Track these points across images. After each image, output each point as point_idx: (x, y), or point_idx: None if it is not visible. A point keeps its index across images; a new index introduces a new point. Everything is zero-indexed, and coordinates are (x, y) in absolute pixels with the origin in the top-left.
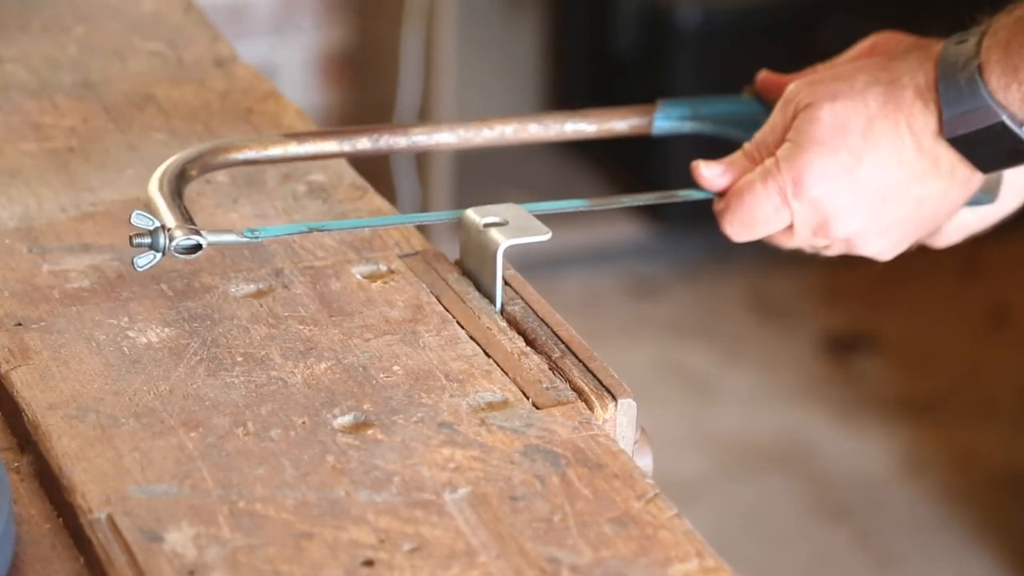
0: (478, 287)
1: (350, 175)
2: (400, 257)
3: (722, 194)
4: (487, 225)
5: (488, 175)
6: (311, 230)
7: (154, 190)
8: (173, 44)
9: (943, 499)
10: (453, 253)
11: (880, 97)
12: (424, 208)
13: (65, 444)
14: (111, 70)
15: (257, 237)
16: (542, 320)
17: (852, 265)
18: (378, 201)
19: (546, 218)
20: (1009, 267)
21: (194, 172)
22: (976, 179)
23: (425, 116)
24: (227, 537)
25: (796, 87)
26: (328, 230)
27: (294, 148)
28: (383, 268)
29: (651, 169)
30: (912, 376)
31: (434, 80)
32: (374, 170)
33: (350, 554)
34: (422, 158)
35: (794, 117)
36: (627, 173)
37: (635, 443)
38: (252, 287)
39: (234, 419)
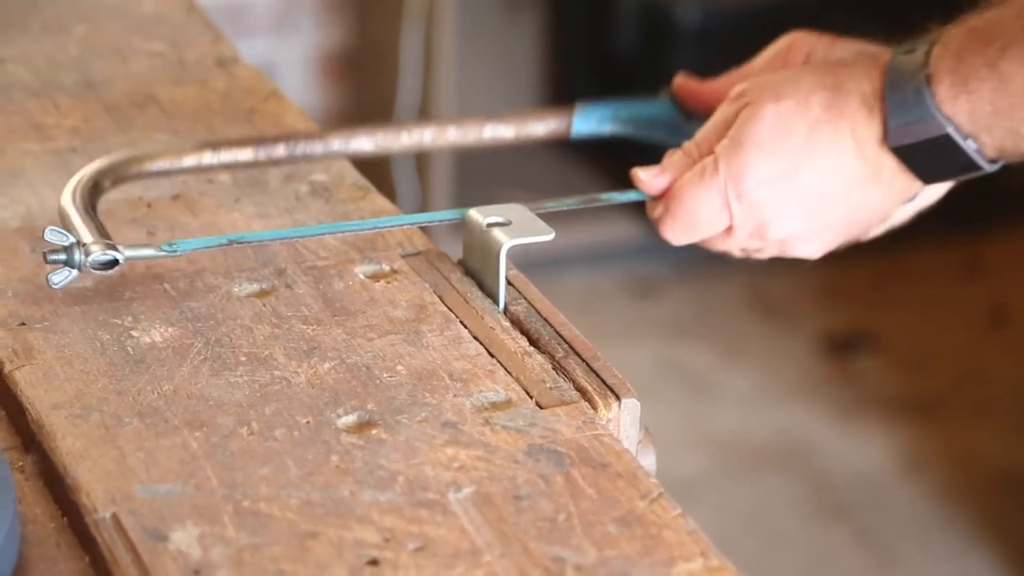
0: (481, 287)
1: (352, 175)
2: (403, 257)
3: (658, 198)
4: (490, 225)
5: (488, 175)
6: (231, 242)
7: (68, 203)
8: (175, 44)
9: (943, 499)
10: (456, 253)
11: (824, 102)
12: (424, 208)
13: (69, 443)
14: (112, 70)
15: (175, 251)
16: (545, 320)
17: (852, 265)
18: (380, 201)
19: (547, 217)
20: (1009, 267)
21: (107, 184)
22: (914, 187)
23: (425, 116)
24: (232, 536)
25: (743, 86)
26: (247, 243)
27: (209, 157)
28: (386, 268)
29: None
30: (912, 376)
31: (434, 80)
32: (374, 170)
33: (355, 553)
34: (422, 158)
35: (736, 115)
36: (626, 172)
37: (639, 442)
38: (255, 287)
39: (238, 419)
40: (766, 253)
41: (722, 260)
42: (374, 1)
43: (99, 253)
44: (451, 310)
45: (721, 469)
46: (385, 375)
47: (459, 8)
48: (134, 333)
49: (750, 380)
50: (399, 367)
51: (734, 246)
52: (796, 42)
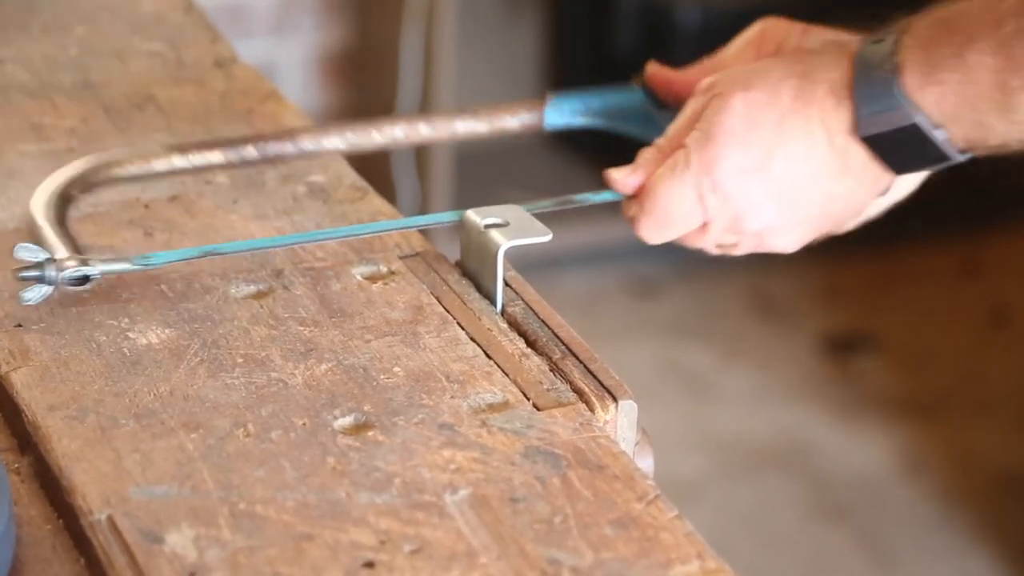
0: (479, 288)
1: (350, 176)
2: (401, 258)
3: (633, 197)
4: (488, 226)
5: (488, 175)
6: (204, 254)
7: (39, 216)
8: (173, 44)
9: (943, 499)
10: (454, 254)
11: (793, 91)
12: (424, 208)
13: (65, 445)
14: (111, 71)
15: (149, 264)
16: (543, 321)
17: (852, 265)
18: (378, 202)
19: (546, 218)
20: (1009, 267)
21: (76, 192)
22: (885, 178)
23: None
24: (227, 539)
25: (712, 78)
26: (221, 254)
27: (179, 161)
28: (383, 269)
29: None
30: (912, 376)
31: (434, 80)
32: (374, 170)
33: (351, 555)
34: (422, 158)
35: (706, 108)
36: None
37: (636, 444)
38: (252, 288)
39: (234, 420)
40: (743, 248)
41: (722, 260)
42: (374, 1)
43: (72, 269)
44: (448, 311)
45: (721, 469)
46: (382, 377)
47: (459, 8)
48: (130, 335)
49: (750, 380)
50: (396, 369)
51: (710, 241)
52: (768, 30)
